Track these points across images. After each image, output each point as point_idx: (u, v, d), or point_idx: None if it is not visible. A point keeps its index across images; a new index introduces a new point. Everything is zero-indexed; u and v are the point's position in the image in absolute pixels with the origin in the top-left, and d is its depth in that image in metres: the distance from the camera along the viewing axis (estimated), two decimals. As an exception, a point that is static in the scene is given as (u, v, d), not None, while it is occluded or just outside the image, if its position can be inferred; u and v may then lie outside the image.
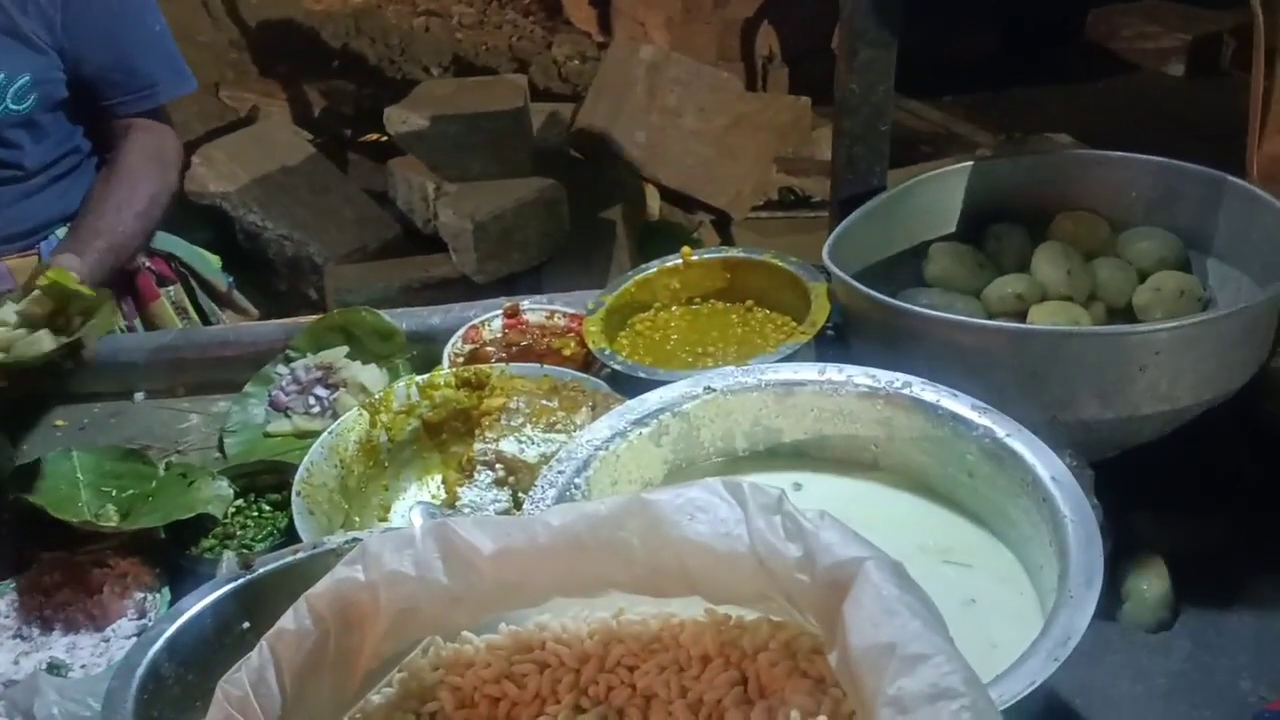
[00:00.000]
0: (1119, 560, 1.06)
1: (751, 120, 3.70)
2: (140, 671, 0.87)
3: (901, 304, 1.15)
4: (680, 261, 1.42)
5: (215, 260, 1.83)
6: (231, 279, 1.85)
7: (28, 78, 1.52)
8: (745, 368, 1.09)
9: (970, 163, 1.44)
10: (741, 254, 1.43)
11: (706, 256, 1.43)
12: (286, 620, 0.63)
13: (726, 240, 3.58)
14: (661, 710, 0.59)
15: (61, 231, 1.60)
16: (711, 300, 1.43)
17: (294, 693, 0.62)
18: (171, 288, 1.72)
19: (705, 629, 0.61)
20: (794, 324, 1.35)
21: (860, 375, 1.04)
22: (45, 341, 1.22)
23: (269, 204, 3.35)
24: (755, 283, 1.41)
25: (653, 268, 1.43)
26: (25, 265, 1.55)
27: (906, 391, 1.00)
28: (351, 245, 3.43)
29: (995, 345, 1.09)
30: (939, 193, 1.42)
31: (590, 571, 0.61)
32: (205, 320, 1.77)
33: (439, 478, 1.28)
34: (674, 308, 1.43)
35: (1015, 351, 1.08)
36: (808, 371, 1.05)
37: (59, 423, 1.42)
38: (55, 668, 1.01)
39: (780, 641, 0.58)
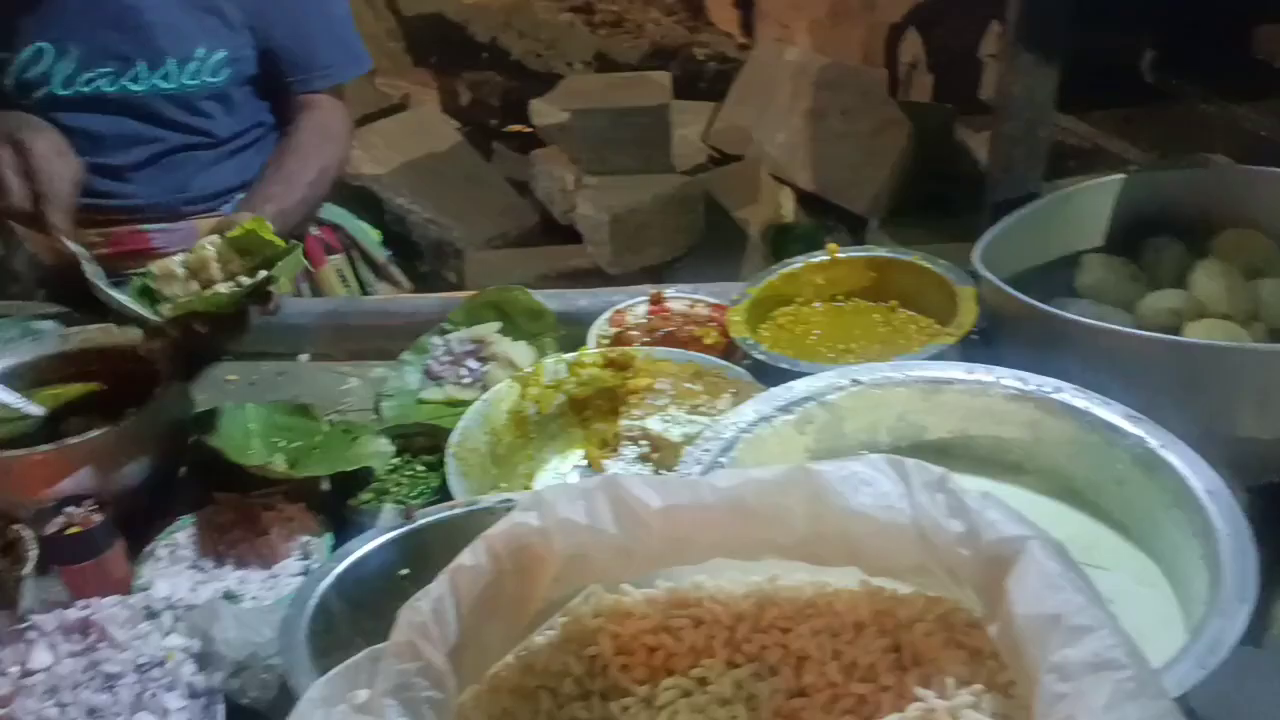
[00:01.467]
0: (1268, 587, 1.04)
1: (895, 125, 3.67)
2: (311, 604, 0.94)
3: (1058, 311, 1.15)
4: (827, 257, 1.44)
5: (376, 234, 1.93)
6: (389, 253, 1.95)
7: (224, 53, 1.63)
8: (892, 363, 1.10)
9: (1127, 175, 1.42)
10: (888, 253, 1.44)
11: (853, 254, 1.45)
12: (465, 557, 0.68)
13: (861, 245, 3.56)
14: (814, 670, 0.62)
15: (239, 199, 1.71)
16: (855, 298, 1.44)
17: (469, 624, 0.67)
18: (337, 257, 1.81)
19: (860, 598, 0.63)
20: (938, 326, 1.36)
21: (1010, 377, 1.04)
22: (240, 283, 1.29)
23: (417, 188, 3.48)
24: (901, 283, 1.42)
25: (798, 262, 1.45)
26: (206, 226, 1.67)
27: (1057, 396, 1.00)
28: (492, 232, 3.54)
29: (1154, 357, 1.08)
30: (1095, 202, 1.40)
31: (752, 535, 0.64)
32: (363, 290, 1.87)
33: (580, 452, 1.33)
34: (817, 303, 1.45)
35: (1174, 364, 1.07)
36: (956, 370, 1.06)
37: (230, 377, 1.53)
38: (229, 597, 1.09)
39: (936, 613, 0.60)
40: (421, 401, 1.45)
